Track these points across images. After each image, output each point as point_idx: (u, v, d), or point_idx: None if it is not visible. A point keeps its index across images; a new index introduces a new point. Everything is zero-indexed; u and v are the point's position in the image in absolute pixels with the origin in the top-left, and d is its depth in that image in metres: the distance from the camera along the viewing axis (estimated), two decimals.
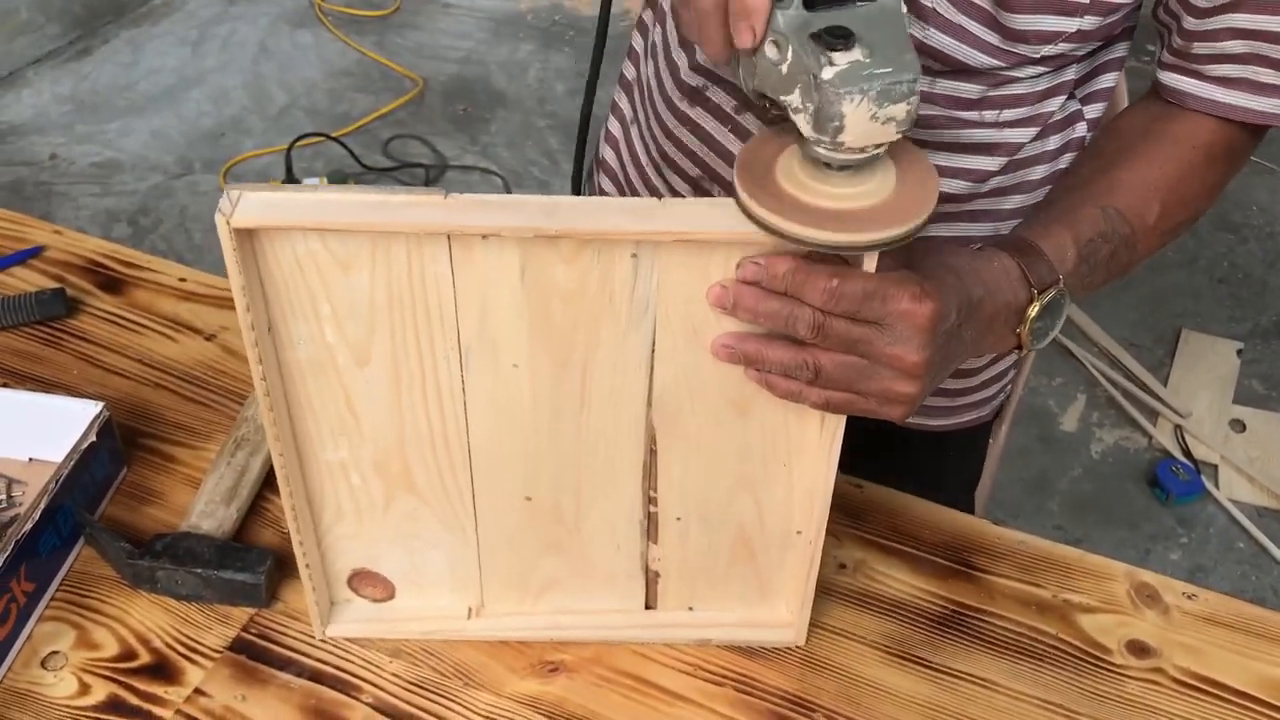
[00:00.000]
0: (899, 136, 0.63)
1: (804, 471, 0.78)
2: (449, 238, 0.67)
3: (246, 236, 0.66)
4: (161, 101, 3.07)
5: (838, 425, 0.74)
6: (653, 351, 0.72)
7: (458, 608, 0.86)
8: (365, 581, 0.85)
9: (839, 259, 0.68)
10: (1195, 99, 0.86)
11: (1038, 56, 0.86)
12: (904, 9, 0.64)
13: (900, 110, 0.61)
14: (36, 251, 1.16)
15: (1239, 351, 2.48)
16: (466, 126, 3.02)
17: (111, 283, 1.14)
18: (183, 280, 1.15)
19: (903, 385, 0.70)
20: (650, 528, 0.82)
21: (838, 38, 0.61)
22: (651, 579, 0.85)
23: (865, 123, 0.61)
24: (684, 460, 0.78)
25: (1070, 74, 0.91)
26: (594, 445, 0.77)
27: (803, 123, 0.63)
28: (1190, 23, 0.85)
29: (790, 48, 0.62)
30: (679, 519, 0.81)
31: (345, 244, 0.67)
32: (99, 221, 2.67)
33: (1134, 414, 2.33)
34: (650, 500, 0.80)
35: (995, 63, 0.86)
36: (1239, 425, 2.32)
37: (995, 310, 0.75)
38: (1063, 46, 0.86)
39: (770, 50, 0.64)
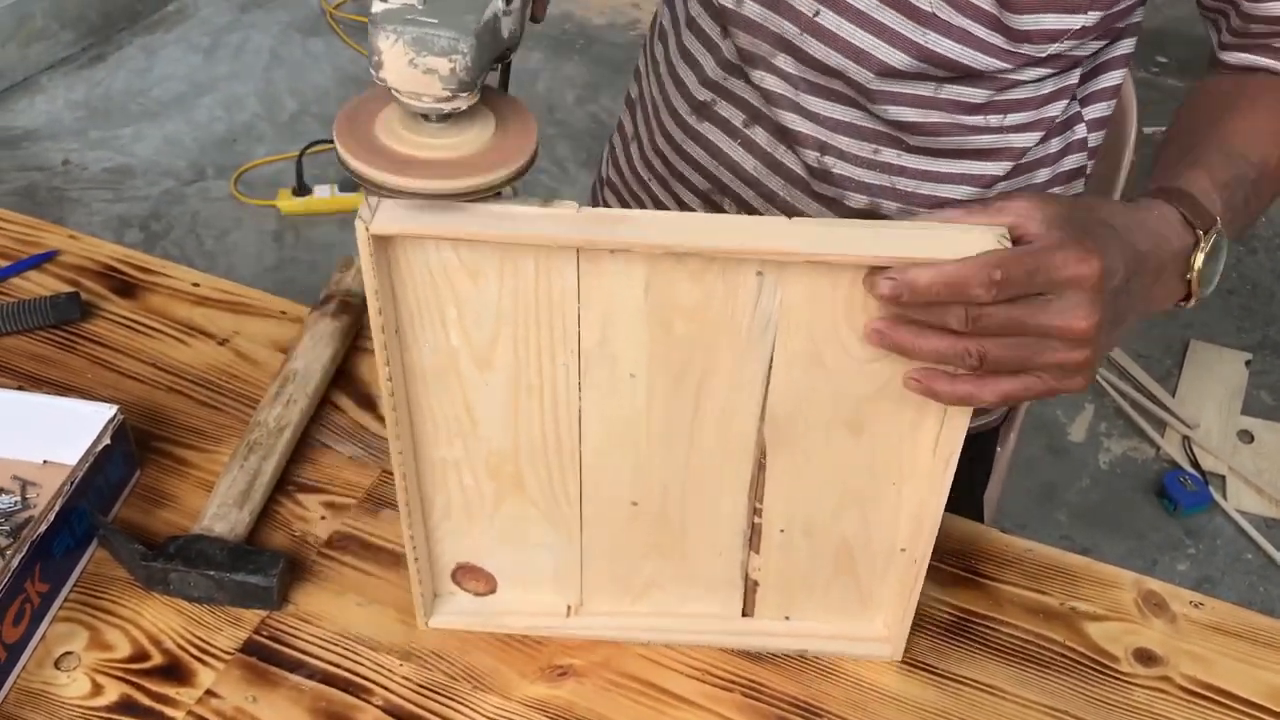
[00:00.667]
0: (449, 93, 0.64)
1: (913, 492, 0.78)
2: (578, 252, 0.68)
3: (383, 243, 0.68)
4: (174, 108, 3.09)
5: (952, 449, 0.73)
6: (770, 368, 0.73)
7: (558, 605, 0.87)
8: (468, 575, 0.86)
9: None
10: (1275, 57, 0.87)
11: (1043, 56, 0.86)
12: None
13: (442, 64, 0.63)
14: (51, 256, 1.17)
15: (1247, 362, 2.48)
16: None
17: (125, 287, 1.15)
18: (196, 285, 1.16)
19: (1077, 354, 0.66)
20: (753, 538, 0.82)
21: None
22: (750, 587, 0.85)
23: (404, 67, 0.63)
24: (792, 475, 0.78)
25: (1074, 77, 0.92)
26: (704, 456, 0.77)
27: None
28: (1247, 6, 0.86)
29: None
30: (782, 531, 0.81)
31: (476, 253, 0.69)
32: (111, 227, 2.68)
33: (1142, 424, 2.33)
34: (755, 511, 0.80)
35: (1001, 65, 0.86)
36: (1247, 436, 2.32)
37: (1163, 261, 0.72)
38: (1068, 44, 0.86)
39: None
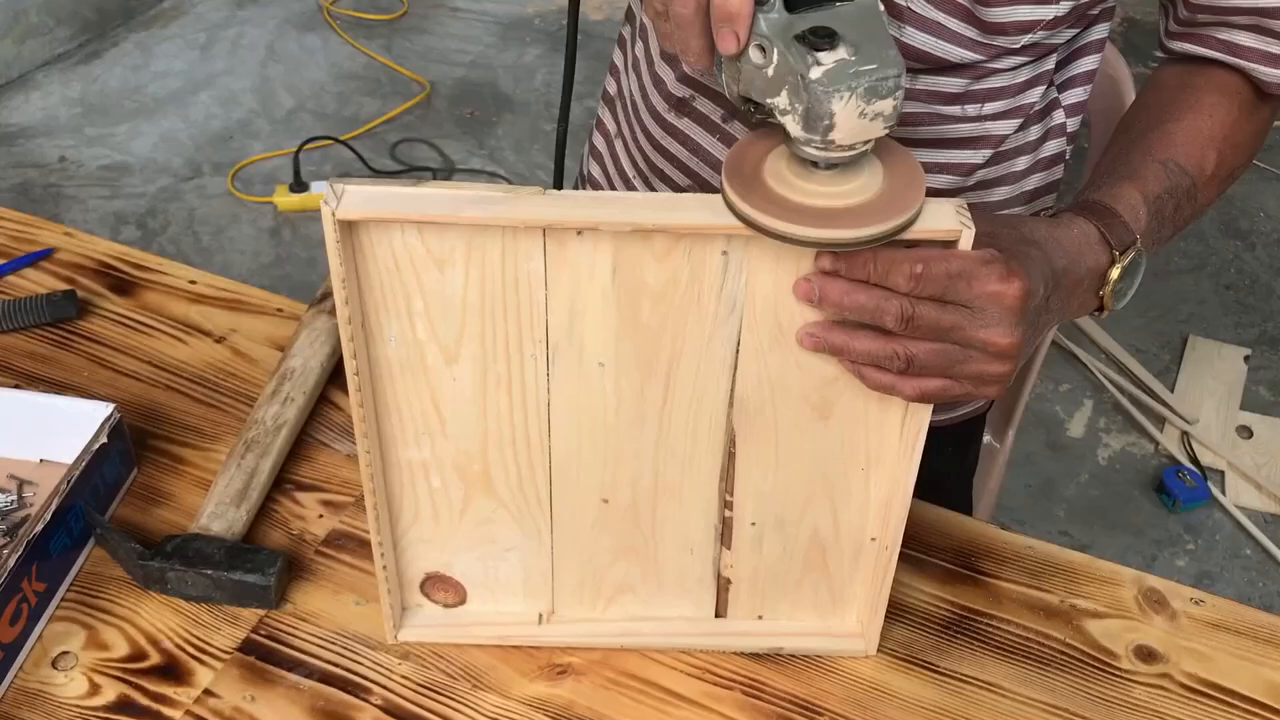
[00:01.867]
0: (886, 132, 0.64)
1: (882, 477, 0.78)
2: (544, 233, 0.68)
3: (348, 229, 0.67)
4: (170, 104, 3.08)
5: (919, 431, 0.74)
6: (737, 351, 0.73)
7: (529, 613, 0.86)
8: (438, 586, 0.86)
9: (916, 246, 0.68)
10: (1215, 48, 0.88)
11: (1017, 47, 0.87)
12: (881, 7, 0.64)
13: (887, 106, 0.62)
14: (47, 253, 1.17)
15: (1246, 358, 2.48)
16: (473, 130, 3.03)
17: (122, 285, 1.15)
18: (193, 283, 1.15)
19: (996, 366, 0.70)
20: (725, 533, 0.82)
21: (822, 37, 0.62)
22: (723, 586, 0.85)
23: (854, 120, 0.62)
24: (762, 464, 0.78)
25: (1050, 63, 0.92)
26: (674, 446, 0.77)
27: (791, 124, 0.64)
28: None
29: (775, 50, 0.63)
30: (754, 524, 0.81)
31: (442, 239, 0.68)
32: (107, 224, 2.68)
33: (1141, 420, 2.33)
34: (726, 504, 0.80)
35: (975, 56, 0.87)
36: (1246, 432, 2.32)
37: (1079, 277, 0.75)
38: (1042, 34, 0.86)
39: (755, 54, 0.64)
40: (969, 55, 0.86)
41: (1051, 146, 0.98)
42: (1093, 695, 0.85)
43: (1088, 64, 0.95)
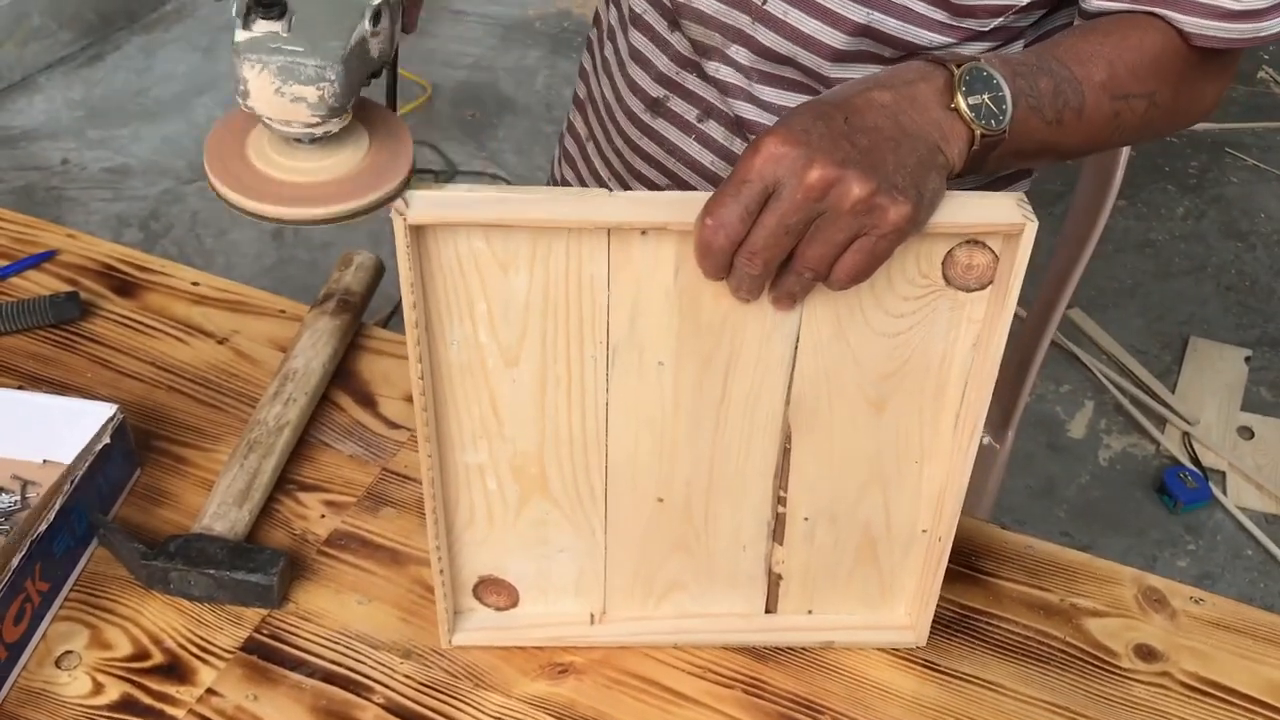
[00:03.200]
0: (318, 119, 0.64)
1: (935, 470, 0.79)
2: (609, 233, 0.68)
3: (418, 234, 0.68)
4: (173, 107, 3.09)
5: (975, 425, 0.74)
6: (795, 349, 0.73)
7: (580, 614, 0.87)
8: (490, 589, 0.86)
9: (986, 249, 0.68)
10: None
11: (988, 29, 0.87)
12: (374, 2, 0.65)
13: (310, 92, 0.62)
14: (50, 255, 1.17)
15: (1247, 359, 2.48)
16: (475, 132, 3.03)
17: (125, 286, 1.15)
18: (195, 284, 1.15)
19: (844, 199, 0.65)
20: (777, 528, 0.82)
21: (265, 6, 0.62)
22: (773, 582, 0.85)
23: (271, 95, 0.63)
24: (816, 459, 0.78)
25: (1017, 48, 0.91)
26: (729, 444, 0.78)
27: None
28: None
29: (235, 10, 0.64)
30: (806, 519, 0.82)
31: (507, 243, 0.69)
32: (110, 226, 2.68)
33: (1142, 421, 2.33)
34: (779, 500, 0.81)
35: (945, 39, 0.87)
36: (1247, 432, 2.32)
37: (899, 93, 0.69)
38: (1012, 17, 0.86)
39: (233, 8, 0.65)
40: (938, 39, 0.86)
41: None
42: (1093, 694, 0.85)
43: None
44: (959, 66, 0.71)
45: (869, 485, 0.80)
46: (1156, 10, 0.83)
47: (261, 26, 0.62)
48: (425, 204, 0.67)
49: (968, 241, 0.69)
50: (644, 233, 0.68)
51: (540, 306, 0.72)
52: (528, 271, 0.70)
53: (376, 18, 0.66)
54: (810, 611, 0.87)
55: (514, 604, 0.87)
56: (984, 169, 0.74)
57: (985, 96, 0.71)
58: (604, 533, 0.82)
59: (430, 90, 3.17)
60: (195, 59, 3.27)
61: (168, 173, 2.86)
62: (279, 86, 0.62)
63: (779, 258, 0.67)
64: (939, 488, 0.79)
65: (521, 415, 0.76)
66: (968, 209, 0.68)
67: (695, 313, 0.72)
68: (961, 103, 0.70)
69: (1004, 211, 0.68)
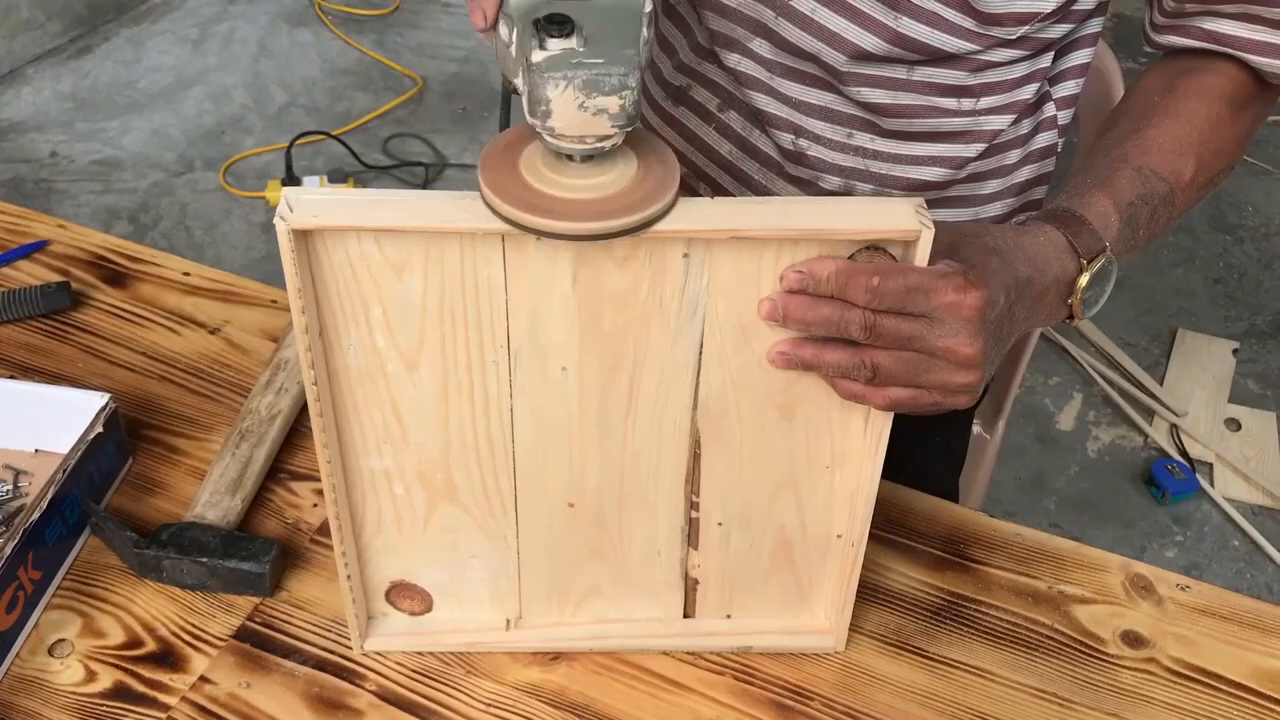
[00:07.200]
0: (616, 130, 0.63)
1: (847, 475, 0.78)
2: (503, 239, 0.67)
3: (303, 239, 0.66)
4: (161, 99, 3.08)
5: (883, 428, 0.74)
6: (700, 354, 0.73)
7: (496, 619, 0.86)
8: (403, 594, 0.85)
9: (885, 255, 0.68)
10: (1201, 39, 0.87)
11: (1014, 38, 0.87)
12: (648, 8, 0.64)
13: (612, 103, 0.62)
14: (41, 245, 1.17)
15: (1235, 351, 2.49)
16: (465, 125, 3.03)
17: (116, 276, 1.15)
18: (186, 274, 1.16)
19: (961, 376, 0.70)
20: (691, 533, 0.82)
21: (555, 24, 0.62)
22: (690, 586, 0.85)
23: (573, 111, 0.62)
24: (727, 464, 0.78)
25: (1046, 60, 0.92)
26: (639, 450, 0.77)
27: (524, 107, 0.64)
28: None
29: (515, 30, 0.63)
30: (720, 524, 0.81)
31: (399, 246, 0.67)
32: (99, 219, 2.68)
33: (1130, 413, 2.34)
34: (692, 505, 0.80)
35: (971, 46, 0.87)
36: (1234, 424, 2.33)
37: (1045, 286, 0.76)
38: (1037, 26, 0.87)
39: (504, 31, 0.65)
40: (965, 45, 0.87)
41: (1043, 139, 0.99)
42: (1080, 679, 0.86)
43: (1081, 57, 0.96)
44: (1090, 260, 0.77)
45: (781, 490, 0.79)
46: (1236, 54, 0.86)
47: (556, 44, 0.61)
48: (310, 208, 0.65)
49: (869, 247, 0.68)
50: (539, 238, 0.66)
51: (437, 310, 0.70)
52: (422, 274, 0.68)
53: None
54: (729, 616, 0.87)
55: (428, 609, 0.86)
56: None
57: (1097, 288, 0.79)
58: (516, 539, 0.81)
59: (421, 83, 3.17)
60: (184, 51, 3.27)
61: (157, 165, 2.86)
62: (583, 101, 0.61)
63: (880, 347, 0.69)
64: (851, 493, 0.79)
65: (425, 421, 0.75)
66: (868, 216, 0.68)
67: (596, 320, 0.70)
68: (1077, 301, 0.78)
69: (902, 219, 0.67)
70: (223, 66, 3.22)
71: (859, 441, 0.76)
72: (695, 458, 0.78)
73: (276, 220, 0.65)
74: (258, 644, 0.85)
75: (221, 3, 3.48)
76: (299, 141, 2.79)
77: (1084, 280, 0.77)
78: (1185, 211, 0.87)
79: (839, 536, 0.82)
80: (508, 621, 0.86)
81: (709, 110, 0.98)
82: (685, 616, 0.87)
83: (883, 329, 0.68)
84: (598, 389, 0.74)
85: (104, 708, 0.81)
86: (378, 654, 0.85)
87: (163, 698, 0.82)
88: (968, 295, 0.68)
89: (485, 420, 0.75)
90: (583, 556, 0.83)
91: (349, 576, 0.81)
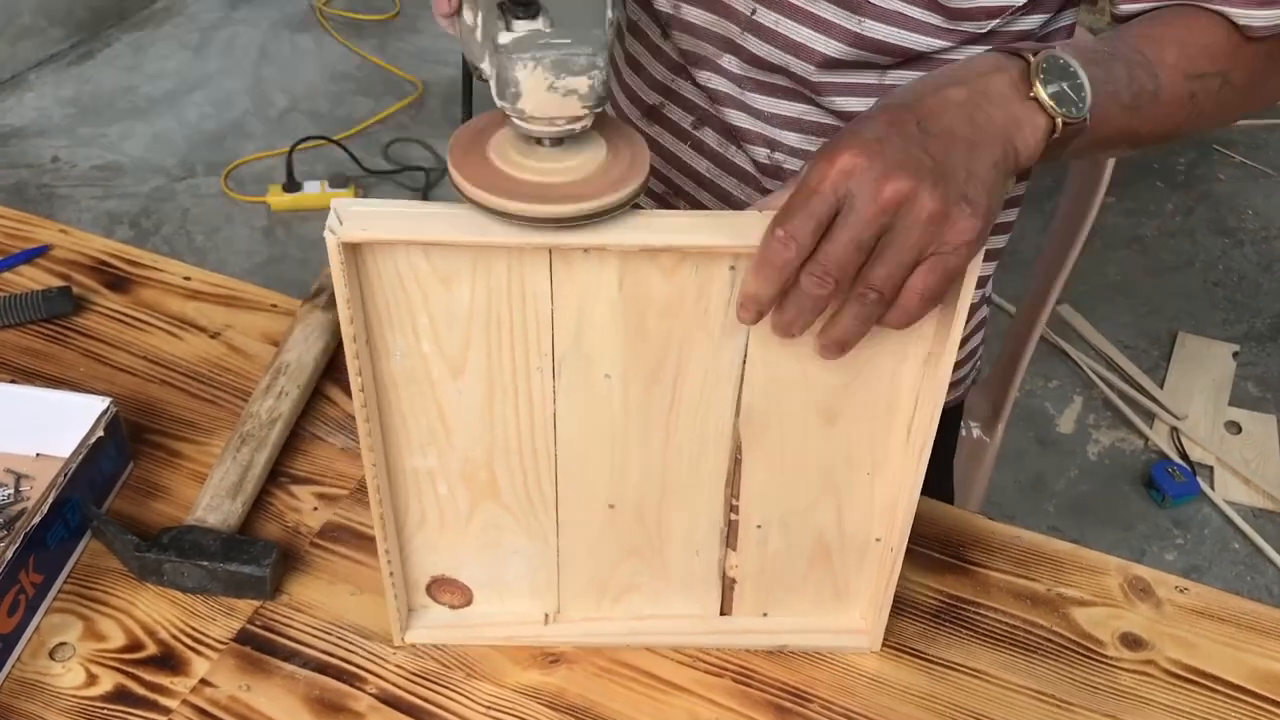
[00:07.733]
0: (586, 111, 0.63)
1: (887, 480, 0.78)
2: (550, 252, 0.68)
3: (352, 251, 0.67)
4: (163, 105, 3.09)
5: (926, 436, 0.74)
6: (744, 362, 0.73)
7: (535, 613, 0.87)
8: (443, 588, 0.86)
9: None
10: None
11: (984, 32, 0.86)
12: None
13: (581, 83, 0.61)
14: (43, 250, 1.17)
15: (1235, 354, 2.49)
16: None
17: (117, 281, 1.15)
18: (188, 279, 1.16)
19: (922, 212, 0.62)
20: (730, 535, 0.82)
21: (520, 5, 0.61)
22: (728, 585, 0.85)
23: (543, 92, 0.61)
24: (768, 469, 0.78)
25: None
26: (679, 454, 0.77)
27: (492, 91, 0.63)
28: None
29: (480, 13, 0.63)
30: (759, 526, 0.81)
31: (447, 258, 0.68)
32: (101, 224, 2.68)
33: (1130, 416, 2.34)
34: (732, 508, 0.80)
35: (940, 44, 0.86)
36: (1234, 427, 2.33)
37: (975, 85, 0.67)
38: (1007, 19, 0.85)
39: (468, 15, 0.64)
40: (934, 43, 0.86)
41: None
42: (1079, 681, 0.86)
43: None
44: (1034, 55, 0.68)
45: (821, 494, 0.80)
46: (1214, 8, 0.79)
47: (523, 26, 0.61)
48: (358, 222, 0.65)
49: None
50: (586, 250, 0.67)
51: (484, 319, 0.71)
52: (469, 284, 0.69)
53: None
54: (765, 614, 0.87)
55: (468, 602, 0.86)
56: (1060, 160, 0.72)
57: (1064, 84, 0.69)
58: (556, 537, 0.82)
59: (422, 88, 3.17)
60: (185, 57, 3.27)
61: (159, 170, 2.86)
62: (552, 82, 0.61)
63: (850, 276, 0.63)
64: (891, 498, 0.79)
65: (469, 424, 0.76)
66: None
67: (641, 327, 0.71)
68: (1041, 91, 0.67)
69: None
70: (224, 72, 3.23)
71: (900, 446, 0.77)
72: (736, 462, 0.78)
73: (326, 233, 0.65)
74: (258, 647, 0.86)
75: (223, 8, 3.49)
76: (300, 146, 2.80)
77: (1037, 71, 0.68)
78: (1174, 98, 0.77)
79: (878, 540, 0.82)
80: (546, 616, 0.87)
81: (683, 128, 0.98)
82: (722, 614, 0.87)
83: (831, 258, 0.63)
84: (640, 395, 0.74)
85: (105, 711, 0.81)
86: (378, 657, 0.85)
87: (163, 700, 0.82)
88: (838, 156, 0.62)
89: (529, 424, 0.76)
90: (622, 555, 0.83)
91: (391, 572, 0.81)
